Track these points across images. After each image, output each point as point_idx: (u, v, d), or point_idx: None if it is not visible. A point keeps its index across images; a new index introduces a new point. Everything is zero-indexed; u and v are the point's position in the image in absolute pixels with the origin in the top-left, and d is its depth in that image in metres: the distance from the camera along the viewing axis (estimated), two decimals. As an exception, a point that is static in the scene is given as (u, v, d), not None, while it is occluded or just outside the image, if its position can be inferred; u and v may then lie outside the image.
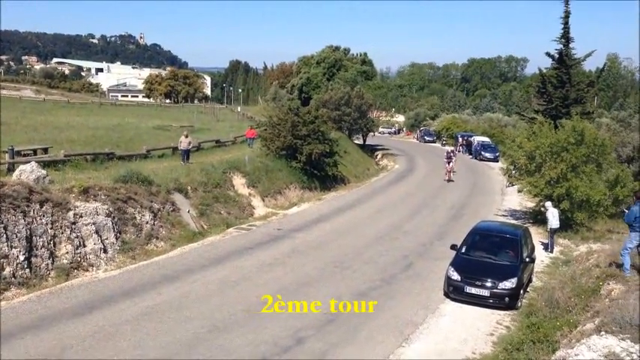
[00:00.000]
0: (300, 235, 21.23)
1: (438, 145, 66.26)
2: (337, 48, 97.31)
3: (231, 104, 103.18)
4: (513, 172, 27.30)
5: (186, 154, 26.96)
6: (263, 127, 35.53)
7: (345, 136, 51.13)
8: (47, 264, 15.55)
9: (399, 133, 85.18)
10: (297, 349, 11.75)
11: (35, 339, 11.59)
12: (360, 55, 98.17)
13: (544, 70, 39.16)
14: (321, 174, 34.08)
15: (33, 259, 15.23)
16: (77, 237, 16.68)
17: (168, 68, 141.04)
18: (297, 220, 24.05)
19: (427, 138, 69.99)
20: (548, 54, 37.97)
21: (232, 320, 13.02)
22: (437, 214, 26.71)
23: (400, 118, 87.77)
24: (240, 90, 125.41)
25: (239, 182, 26.99)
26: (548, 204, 21.23)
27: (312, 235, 21.39)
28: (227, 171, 26.83)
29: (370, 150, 56.37)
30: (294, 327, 12.75)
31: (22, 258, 14.91)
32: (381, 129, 72.62)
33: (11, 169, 20.14)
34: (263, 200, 27.23)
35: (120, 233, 18.09)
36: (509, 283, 14.67)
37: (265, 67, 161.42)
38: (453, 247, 16.47)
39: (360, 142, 57.80)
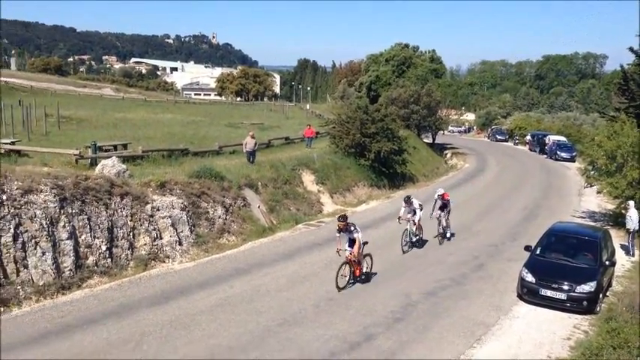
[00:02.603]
0: (369, 233, 21.15)
1: (510, 144, 64.49)
2: (406, 45, 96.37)
3: (300, 102, 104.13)
4: (592, 172, 26.20)
5: (252, 154, 26.19)
6: (332, 125, 35.67)
7: (414, 134, 50.60)
8: (127, 254, 16.25)
9: (469, 131, 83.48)
10: (367, 345, 11.75)
11: (116, 325, 12.13)
12: (429, 53, 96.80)
13: (626, 67, 37.32)
14: (389, 172, 33.90)
15: (114, 250, 15.96)
16: (154, 229, 17.32)
17: (239, 67, 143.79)
18: (366, 217, 24.00)
19: (499, 137, 68.27)
20: (631, 49, 36.14)
21: (302, 315, 13.16)
22: (509, 214, 26.02)
23: (470, 117, 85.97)
24: (308, 88, 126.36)
25: (308, 179, 27.24)
26: (631, 204, 20.26)
27: (380, 232, 21.30)
28: (296, 168, 27.13)
29: (439, 149, 55.55)
30: (364, 323, 12.76)
31: (104, 248, 15.66)
32: (450, 127, 71.42)
33: (94, 163, 21.14)
34: (332, 197, 27.36)
35: (194, 227, 18.64)
36: (587, 287, 14.11)
37: (334, 66, 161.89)
38: (527, 248, 16.01)
39: (429, 140, 57.05)
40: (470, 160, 48.11)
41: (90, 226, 15.59)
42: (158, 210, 17.77)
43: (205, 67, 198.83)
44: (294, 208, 24.18)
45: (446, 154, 53.58)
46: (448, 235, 20.86)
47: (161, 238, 17.42)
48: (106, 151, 24.34)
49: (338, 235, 15.03)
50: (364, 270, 15.74)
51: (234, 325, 12.38)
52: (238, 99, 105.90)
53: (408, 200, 19.08)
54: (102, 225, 15.90)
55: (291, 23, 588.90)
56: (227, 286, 14.92)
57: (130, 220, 16.85)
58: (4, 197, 14.08)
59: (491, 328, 12.99)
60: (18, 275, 13.61)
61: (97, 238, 15.64)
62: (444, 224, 20.57)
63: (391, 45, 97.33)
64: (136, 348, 11.12)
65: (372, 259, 16.11)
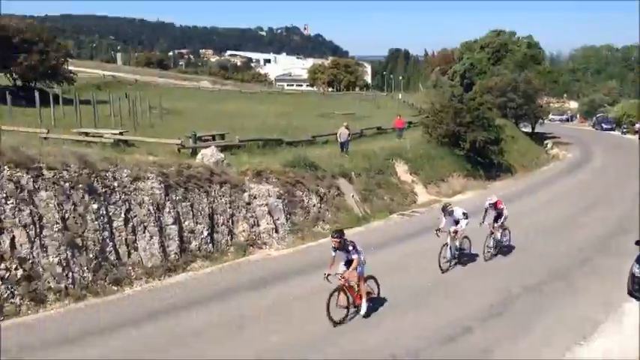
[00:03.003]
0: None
1: (616, 133, 60.76)
2: (502, 32, 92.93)
3: (392, 92, 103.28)
4: None
5: (345, 144, 26.40)
6: (425, 115, 35.11)
7: (512, 123, 48.82)
8: (227, 240, 16.84)
9: (571, 120, 79.45)
10: (462, 339, 11.50)
11: (218, 307, 12.62)
12: (526, 39, 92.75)
13: None
14: (485, 162, 32.95)
15: (215, 235, 16.59)
16: (252, 216, 17.82)
17: (331, 58, 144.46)
18: (462, 208, 23.39)
19: (605, 126, 64.50)
20: None
21: (398, 302, 13.07)
22: (617, 207, 24.51)
23: (573, 105, 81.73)
24: (400, 78, 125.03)
25: (401, 169, 26.99)
26: None
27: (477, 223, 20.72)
28: (389, 158, 26.94)
29: (539, 138, 53.25)
30: (460, 316, 12.50)
31: (205, 233, 16.31)
32: (551, 116, 68.25)
33: (194, 152, 22.01)
34: (425, 187, 26.97)
35: (289, 215, 18.99)
36: None
37: (426, 54, 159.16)
38: (638, 242, 15.04)
39: (528, 129, 54.84)
40: (573, 149, 45.82)
41: (192, 212, 16.27)
42: (255, 198, 18.25)
43: (297, 58, 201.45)
44: (388, 197, 24.06)
45: (546, 143, 51.28)
46: (497, 246, 16.94)
47: (258, 225, 17.89)
48: (205, 140, 25.24)
49: (333, 254, 12.09)
50: (365, 296, 12.41)
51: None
52: (330, 89, 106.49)
53: (445, 209, 15.69)
54: (203, 211, 16.56)
55: (383, 12, 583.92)
56: (323, 274, 15.05)
57: (229, 208, 17.42)
58: (116, 184, 14.97)
59: (600, 325, 12.31)
60: (129, 257, 14.47)
61: (199, 223, 16.31)
62: (498, 237, 16.85)
63: (486, 32, 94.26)
64: (237, 330, 11.49)
65: (377, 282, 12.89)
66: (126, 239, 14.59)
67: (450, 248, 15.63)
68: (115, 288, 13.64)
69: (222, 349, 10.62)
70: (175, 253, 15.36)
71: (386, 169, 25.94)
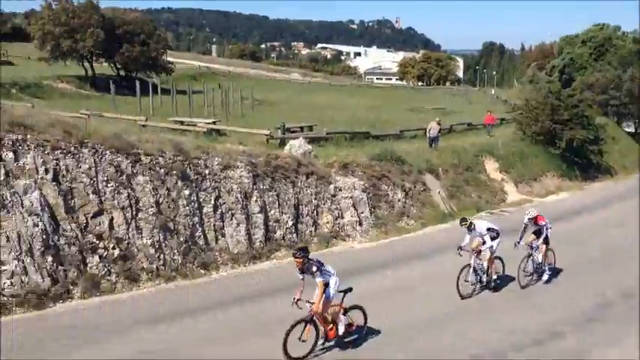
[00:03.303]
0: (558, 225, 19.78)
1: None
2: (605, 26, 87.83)
3: (484, 87, 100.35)
4: None
5: (435, 140, 25.90)
6: (519, 111, 33.83)
7: (613, 122, 46.12)
8: (311, 231, 17.05)
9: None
10: (552, 344, 11.04)
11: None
12: (631, 34, 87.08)
13: None
14: (583, 162, 31.37)
15: (299, 226, 16.84)
16: (337, 209, 17.92)
17: (422, 51, 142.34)
18: (555, 209, 22.47)
19: None
20: None
21: (482, 304, 12.74)
22: None
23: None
24: (494, 72, 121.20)
25: (491, 166, 26.20)
26: None
27: (572, 226, 19.85)
28: (479, 154, 26.22)
29: (643, 139, 49.97)
30: (550, 320, 11.99)
31: (290, 223, 16.58)
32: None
33: (282, 143, 22.38)
34: (516, 186, 26.06)
35: (374, 208, 18.93)
36: None
37: (522, 49, 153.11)
38: None
39: (631, 129, 51.58)
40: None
41: (278, 201, 16.59)
42: (340, 190, 18.32)
43: (388, 51, 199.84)
44: (476, 195, 23.44)
45: (651, 144, 48.04)
46: (545, 277, 14.43)
47: (342, 218, 17.97)
48: (294, 132, 25.61)
49: (300, 276, 9.99)
50: (342, 330, 10.27)
51: (419, 308, 12.37)
52: (420, 83, 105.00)
53: (465, 222, 13.14)
54: (289, 201, 16.83)
55: (477, 5, 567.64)
56: (408, 269, 14.96)
57: (315, 199, 17.60)
58: (207, 172, 15.51)
59: None
60: (217, 243, 14.98)
61: (285, 213, 16.60)
62: (538, 260, 14.24)
63: (588, 25, 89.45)
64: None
65: (364, 312, 10.67)
66: (214, 225, 15.10)
67: (475, 270, 13.12)
68: (203, 272, 14.16)
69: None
70: (260, 241, 15.72)
71: (475, 165, 25.28)
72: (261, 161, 16.95)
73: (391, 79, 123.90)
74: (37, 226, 12.18)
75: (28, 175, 12.59)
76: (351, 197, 18.39)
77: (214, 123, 27.16)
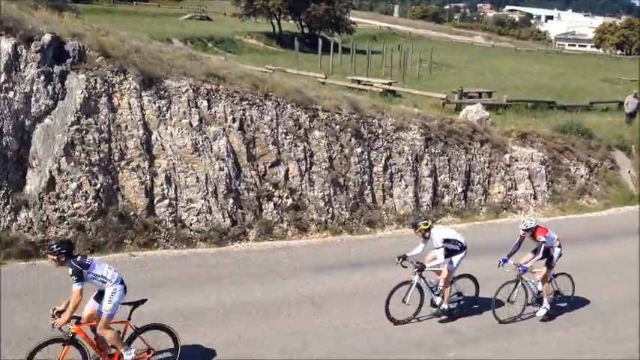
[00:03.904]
0: None
1: None
2: None
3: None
4: None
5: (632, 115, 23.85)
6: None
7: None
8: (480, 200, 16.56)
9: None
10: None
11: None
12: None
13: None
14: None
15: (468, 194, 16.45)
16: (510, 179, 17.16)
17: (624, 17, 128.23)
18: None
19: None
20: None
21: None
22: None
23: None
24: None
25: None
26: None
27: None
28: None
29: None
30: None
31: (459, 190, 16.25)
32: None
33: (458, 108, 21.83)
34: None
35: (551, 182, 17.83)
36: None
37: None
38: None
39: None
40: None
41: (449, 167, 16.29)
42: (516, 161, 17.48)
43: (584, 15, 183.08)
44: (674, 179, 20.95)
45: None
46: (542, 312, 10.23)
47: (515, 189, 17.18)
48: (471, 97, 24.86)
49: (79, 285, 7.17)
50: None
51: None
52: (619, 52, 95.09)
53: (416, 226, 9.73)
54: (460, 168, 16.45)
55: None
56: (590, 250, 13.87)
57: (487, 167, 17.01)
58: (380, 131, 15.66)
59: None
60: (384, 202, 15.18)
61: (454, 179, 16.27)
62: (536, 288, 10.23)
63: None
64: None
65: (173, 335, 7.84)
66: (383, 185, 15.28)
67: (420, 288, 9.64)
68: (368, 229, 14.48)
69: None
70: (427, 205, 15.63)
71: (677, 147, 22.49)
72: (434, 124, 16.69)
73: (585, 46, 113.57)
74: (223, 170, 13.27)
75: (218, 123, 13.69)
76: (528, 169, 17.45)
77: (390, 84, 27.24)
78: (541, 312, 10.25)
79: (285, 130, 14.39)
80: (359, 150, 15.10)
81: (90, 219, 11.87)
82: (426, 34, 76.23)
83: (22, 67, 12.19)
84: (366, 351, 8.87)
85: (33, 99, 12.13)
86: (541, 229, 10.00)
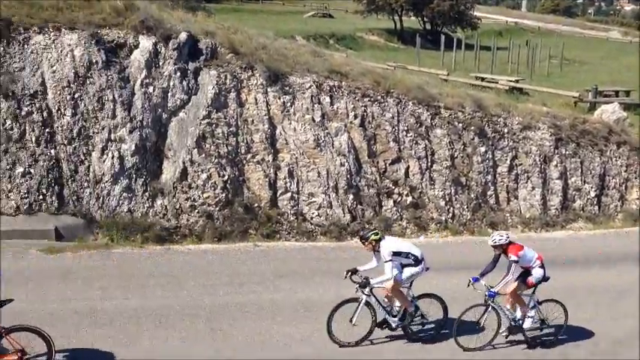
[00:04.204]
0: None
1: None
2: None
3: None
4: None
5: None
6: None
7: None
8: (616, 205, 15.47)
9: None
10: None
11: (593, 272, 11.57)
12: None
13: None
14: None
15: (602, 199, 15.43)
16: (651, 185, 15.88)
17: None
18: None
19: None
20: None
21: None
22: None
23: None
24: None
25: None
26: None
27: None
28: None
29: None
30: None
31: (592, 194, 15.30)
32: None
33: (592, 107, 20.52)
34: None
35: (699, 190, 16.24)
36: None
37: None
38: None
39: None
40: None
41: (581, 169, 15.37)
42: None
43: None
44: None
45: None
46: (526, 322, 8.61)
47: (657, 196, 15.86)
48: (606, 96, 23.40)
49: None
50: None
51: None
52: None
53: (365, 238, 8.31)
54: (594, 171, 15.47)
55: None
56: None
57: (625, 171, 15.86)
58: (506, 130, 15.07)
59: None
60: (508, 204, 14.61)
61: (587, 183, 15.32)
62: (509, 312, 8.55)
63: None
64: (613, 301, 10.38)
65: (48, 341, 6.92)
66: (507, 186, 14.70)
67: (371, 306, 8.31)
68: (490, 231, 13.91)
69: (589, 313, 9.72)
70: (556, 209, 14.83)
71: None
72: (566, 124, 15.77)
73: None
74: (343, 165, 13.40)
75: (339, 119, 13.83)
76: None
77: (517, 81, 26.22)
78: (527, 323, 8.59)
79: (406, 128, 14.24)
80: (482, 149, 14.62)
81: (218, 208, 12.48)
82: (556, 28, 72.14)
83: (160, 63, 13.00)
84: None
85: (169, 94, 12.90)
86: (514, 247, 8.32)
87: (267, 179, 12.99)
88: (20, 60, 12.10)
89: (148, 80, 12.77)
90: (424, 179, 14.04)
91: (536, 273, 8.40)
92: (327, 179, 13.27)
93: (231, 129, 13.04)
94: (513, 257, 8.23)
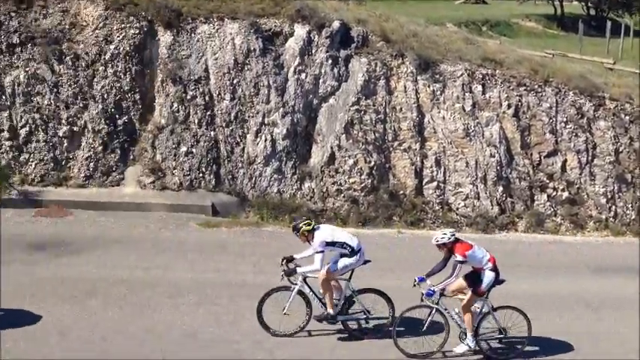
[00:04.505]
0: None
1: None
2: None
3: None
4: None
5: None
6: None
7: None
8: None
9: None
10: None
11: None
12: None
13: None
14: None
15: None
16: None
17: None
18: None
19: None
20: None
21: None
22: None
23: None
24: None
25: None
26: None
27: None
28: None
29: None
30: None
31: None
32: None
33: None
34: None
35: None
36: None
37: None
38: None
39: None
40: None
41: None
42: None
43: None
44: None
45: None
46: (461, 347, 7.64)
47: None
48: None
49: None
50: None
51: None
52: None
53: (297, 228, 7.92)
54: None
55: None
56: None
57: None
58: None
59: None
60: None
61: None
62: (457, 317, 7.69)
63: None
64: None
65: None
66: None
67: (305, 296, 7.93)
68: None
69: None
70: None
71: None
72: None
73: None
74: (494, 157, 12.90)
75: (491, 108, 13.31)
76: None
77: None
78: (460, 348, 7.69)
79: (565, 119, 13.38)
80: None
81: (363, 194, 12.63)
82: None
83: (313, 51, 13.34)
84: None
85: (321, 80, 13.21)
86: (461, 246, 7.50)
87: (413, 167, 12.88)
88: (187, 48, 13.02)
89: (300, 67, 13.17)
90: (583, 174, 13.13)
91: (487, 277, 7.52)
92: (476, 170, 12.88)
93: (379, 116, 13.08)
94: (459, 257, 7.41)
